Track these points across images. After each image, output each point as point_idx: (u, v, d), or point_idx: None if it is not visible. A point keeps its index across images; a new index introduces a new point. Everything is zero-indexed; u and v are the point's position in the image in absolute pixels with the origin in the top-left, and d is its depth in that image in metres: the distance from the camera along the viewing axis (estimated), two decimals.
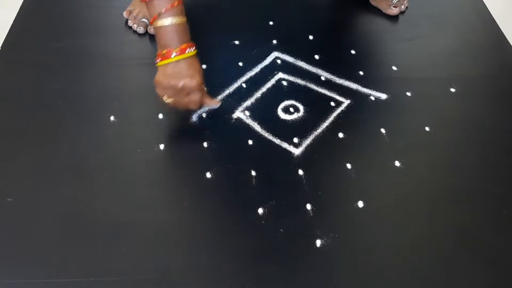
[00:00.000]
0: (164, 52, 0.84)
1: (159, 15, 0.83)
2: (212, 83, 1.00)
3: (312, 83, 1.02)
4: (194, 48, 0.86)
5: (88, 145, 0.89)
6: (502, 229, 0.79)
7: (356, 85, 1.01)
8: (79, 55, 1.07)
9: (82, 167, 0.86)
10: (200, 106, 0.91)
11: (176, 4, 0.83)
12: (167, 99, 0.88)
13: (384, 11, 1.18)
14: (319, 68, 1.05)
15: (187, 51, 0.84)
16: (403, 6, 1.19)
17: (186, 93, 0.87)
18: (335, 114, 0.96)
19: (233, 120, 0.94)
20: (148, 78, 1.02)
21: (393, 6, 1.17)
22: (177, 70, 0.85)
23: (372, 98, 0.99)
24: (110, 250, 0.75)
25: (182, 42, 0.84)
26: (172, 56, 0.84)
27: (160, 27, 0.84)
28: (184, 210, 0.81)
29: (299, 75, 1.03)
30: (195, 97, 0.88)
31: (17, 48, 1.08)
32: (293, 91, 1.00)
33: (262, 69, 1.05)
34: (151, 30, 1.11)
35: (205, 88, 0.90)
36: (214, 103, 0.93)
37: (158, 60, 0.86)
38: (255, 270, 0.74)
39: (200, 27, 1.15)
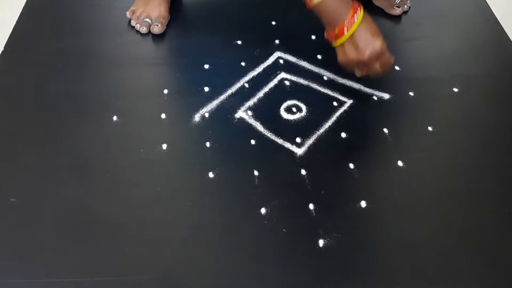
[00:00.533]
0: (336, 31, 0.83)
1: None
2: (215, 82, 1.00)
3: (315, 83, 1.02)
4: (359, 9, 0.83)
5: (91, 145, 0.90)
6: (505, 229, 0.78)
7: (359, 85, 1.01)
8: (81, 55, 1.08)
9: (85, 167, 0.86)
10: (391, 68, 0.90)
11: None
12: (358, 73, 0.88)
13: (387, 11, 1.18)
14: (322, 68, 1.04)
15: (355, 19, 0.82)
16: (406, 6, 1.19)
17: (375, 60, 0.86)
18: (337, 114, 0.96)
19: (236, 120, 0.94)
20: (151, 78, 1.03)
21: (396, 6, 1.17)
22: (357, 42, 0.83)
23: (375, 98, 0.99)
24: (112, 250, 0.75)
25: (347, 9, 0.82)
26: (345, 33, 0.82)
27: (318, 3, 0.81)
28: (187, 210, 0.81)
29: (302, 75, 1.03)
30: (384, 59, 0.87)
31: (20, 48, 1.08)
32: (296, 91, 1.00)
33: (264, 69, 1.05)
34: (154, 30, 1.11)
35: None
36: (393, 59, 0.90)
37: (333, 42, 0.85)
38: (257, 270, 0.74)
39: (203, 27, 1.15)
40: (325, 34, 0.86)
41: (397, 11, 1.17)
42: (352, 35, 0.83)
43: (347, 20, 0.81)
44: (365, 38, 0.83)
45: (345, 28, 0.82)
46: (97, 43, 1.11)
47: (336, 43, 0.84)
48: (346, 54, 0.85)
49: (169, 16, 1.15)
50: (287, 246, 0.76)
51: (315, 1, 0.81)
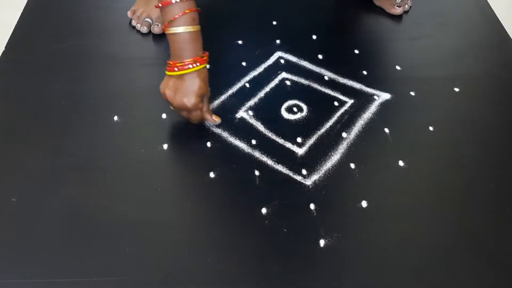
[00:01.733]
0: (171, 63, 0.85)
1: (170, 23, 0.82)
2: (215, 82, 1.00)
3: (316, 82, 1.02)
4: (199, 63, 0.84)
5: (92, 145, 0.90)
6: (506, 229, 0.78)
7: (360, 84, 1.01)
8: (82, 55, 1.08)
9: (86, 167, 0.86)
10: (200, 122, 0.91)
11: (188, 11, 0.82)
12: (171, 108, 0.90)
13: (387, 10, 1.18)
14: (323, 68, 1.04)
15: (190, 67, 0.83)
16: (406, 6, 1.19)
17: (182, 110, 0.88)
18: (338, 113, 0.96)
19: (237, 120, 0.94)
20: (152, 78, 1.03)
21: (397, 6, 1.17)
22: (177, 86, 0.85)
23: (376, 97, 0.99)
24: (114, 250, 0.75)
25: (189, 54, 0.83)
26: (176, 70, 0.84)
27: (170, 34, 0.83)
28: (188, 210, 0.81)
29: (303, 74, 1.03)
30: (191, 115, 0.89)
31: (21, 49, 1.08)
32: (297, 91, 1.00)
33: (265, 69, 1.05)
34: (154, 30, 1.11)
35: (205, 106, 0.90)
36: (213, 121, 0.91)
37: (165, 68, 0.86)
38: (258, 270, 0.73)
39: (203, 27, 1.15)
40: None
41: (398, 11, 1.17)
42: (178, 77, 0.85)
43: (182, 63, 0.83)
44: (184, 89, 0.85)
45: (176, 68, 0.84)
46: (98, 43, 1.11)
47: (166, 72, 0.86)
48: (165, 87, 0.87)
49: None
50: (288, 246, 0.76)
51: (170, 30, 0.83)
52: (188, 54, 0.84)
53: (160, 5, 0.82)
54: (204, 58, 0.86)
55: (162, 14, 0.83)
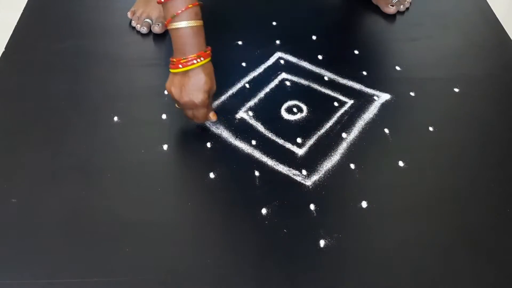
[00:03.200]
0: (175, 60, 0.83)
1: (173, 18, 0.81)
2: (215, 83, 1.00)
3: (316, 83, 1.02)
4: (203, 58, 0.83)
5: (92, 146, 0.90)
6: (506, 230, 0.78)
7: (360, 85, 1.01)
8: (82, 56, 1.08)
9: (86, 167, 0.86)
10: (205, 120, 0.91)
11: (191, 6, 0.81)
12: (176, 106, 0.89)
13: (382, 9, 1.18)
14: (323, 68, 1.04)
15: (195, 62, 0.82)
16: (402, 6, 1.18)
17: (189, 108, 0.87)
18: (338, 114, 0.96)
19: (237, 121, 0.94)
20: (152, 78, 1.03)
21: (391, 5, 1.17)
22: (183, 83, 0.84)
23: (376, 98, 0.99)
24: (114, 250, 0.75)
25: (193, 49, 0.82)
26: (180, 66, 0.83)
27: (173, 30, 0.82)
28: (188, 210, 0.81)
29: (303, 75, 1.03)
30: (198, 113, 0.87)
31: (21, 49, 1.09)
32: (297, 91, 1.00)
33: (265, 69, 1.05)
34: (154, 29, 1.11)
35: (210, 104, 0.89)
36: (209, 118, 0.91)
37: (170, 66, 0.85)
38: (258, 270, 0.73)
39: (203, 27, 1.15)
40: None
41: (391, 10, 1.17)
42: (183, 74, 0.83)
43: (186, 59, 0.82)
44: (191, 86, 0.84)
45: (180, 65, 0.82)
46: (98, 43, 1.11)
47: (171, 70, 0.85)
48: (171, 85, 0.85)
49: None
50: (288, 246, 0.76)
51: (173, 25, 0.81)
52: (191, 49, 0.83)
53: (162, 0, 0.82)
54: (208, 52, 0.85)
55: (164, 10, 0.82)
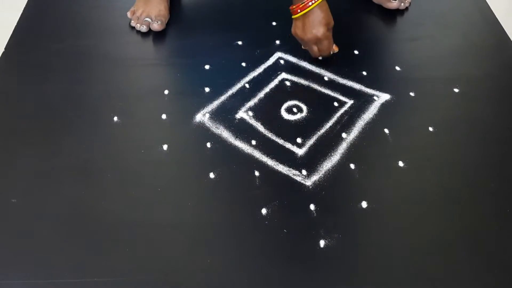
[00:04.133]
0: (294, 6, 0.97)
1: None
2: (215, 83, 1.00)
3: (315, 83, 1.02)
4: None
5: (92, 146, 0.90)
6: (506, 230, 0.78)
7: (360, 85, 1.01)
8: (82, 56, 1.08)
9: (86, 167, 0.86)
10: (330, 52, 1.03)
11: None
12: (302, 48, 1.03)
13: (384, 5, 1.18)
14: (322, 68, 1.04)
15: (310, 4, 0.95)
16: (402, 4, 1.18)
17: (314, 43, 1.00)
18: (338, 114, 0.96)
19: (236, 121, 0.94)
20: (152, 78, 1.03)
21: (393, 0, 1.17)
22: (304, 23, 0.98)
23: (376, 98, 0.99)
24: (113, 250, 0.75)
25: None
26: (299, 11, 0.96)
27: None
28: (188, 210, 0.81)
29: (302, 75, 1.03)
30: (322, 46, 1.00)
31: (21, 49, 1.09)
32: (296, 92, 1.00)
33: (265, 70, 1.05)
34: (153, 26, 1.11)
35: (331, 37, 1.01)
36: (336, 49, 1.04)
37: (292, 13, 0.99)
38: (258, 271, 0.74)
39: (203, 27, 1.15)
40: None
41: (394, 4, 1.17)
42: (304, 16, 0.97)
43: (303, 3, 0.95)
44: (312, 23, 0.97)
45: (299, 9, 0.96)
46: (97, 43, 1.11)
47: (293, 16, 0.99)
48: (295, 28, 1.00)
49: (169, 15, 1.15)
50: (288, 246, 0.76)
51: None
52: None
53: None
54: None
55: None
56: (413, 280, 0.73)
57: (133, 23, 1.14)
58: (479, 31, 1.16)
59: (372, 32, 1.17)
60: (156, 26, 1.11)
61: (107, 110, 0.95)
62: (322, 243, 0.76)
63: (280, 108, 0.97)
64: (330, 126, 0.93)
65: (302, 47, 1.03)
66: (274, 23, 1.16)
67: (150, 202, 0.81)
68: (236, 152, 0.89)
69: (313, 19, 0.97)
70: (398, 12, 1.19)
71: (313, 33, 0.98)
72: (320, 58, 1.04)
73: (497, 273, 0.73)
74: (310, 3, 0.95)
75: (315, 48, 1.01)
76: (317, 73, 1.04)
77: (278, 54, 1.08)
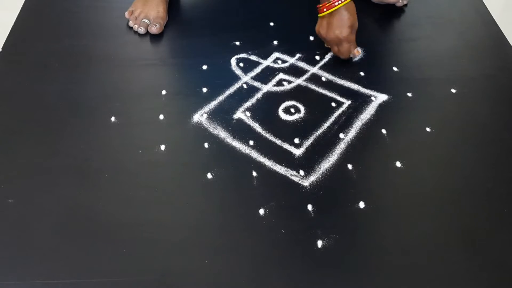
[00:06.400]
0: (320, 5, 0.98)
1: None
2: (213, 83, 1.00)
3: (313, 83, 1.02)
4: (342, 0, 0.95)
5: (89, 146, 0.89)
6: (503, 230, 0.79)
7: (357, 85, 1.01)
8: (79, 56, 1.07)
9: (83, 168, 0.86)
10: (349, 55, 1.03)
11: None
12: (326, 46, 1.05)
13: (386, 1, 1.18)
14: (320, 69, 1.05)
15: (337, 3, 0.96)
16: (400, 1, 1.18)
17: (335, 43, 1.01)
18: (336, 114, 0.96)
19: (234, 121, 0.94)
20: (149, 79, 1.03)
21: None
22: (330, 22, 0.99)
23: (373, 98, 0.99)
24: (111, 251, 0.75)
25: None
26: (325, 10, 0.97)
27: None
28: (185, 211, 0.81)
29: (300, 76, 1.03)
30: (342, 48, 1.01)
31: (18, 49, 1.08)
32: (294, 92, 1.00)
33: (262, 70, 1.05)
34: (152, 30, 1.11)
35: (354, 40, 1.02)
36: (353, 55, 1.04)
37: (318, 12, 1.00)
38: (255, 271, 0.73)
39: (201, 28, 1.15)
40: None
41: None
42: (329, 15, 0.98)
43: (330, 3, 0.96)
44: (336, 23, 0.98)
45: (325, 8, 0.97)
46: (95, 44, 1.11)
47: (319, 14, 1.00)
48: (319, 27, 1.01)
49: (167, 17, 1.15)
50: (285, 247, 0.76)
51: None
52: None
53: None
54: None
55: None
56: (411, 280, 0.73)
57: (131, 24, 1.13)
58: (476, 32, 1.16)
59: (369, 32, 1.17)
60: (154, 30, 1.11)
61: (105, 110, 0.95)
62: (319, 243, 0.76)
63: (277, 108, 0.97)
64: (328, 127, 0.93)
65: (325, 45, 1.05)
66: (271, 24, 1.16)
67: (147, 202, 0.81)
68: (234, 152, 0.89)
69: (337, 20, 0.98)
70: (395, 12, 1.19)
71: (335, 33, 0.99)
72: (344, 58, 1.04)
73: (495, 273, 0.73)
74: (336, 3, 0.96)
75: (335, 48, 1.02)
76: (314, 73, 1.04)
77: (275, 55, 1.08)
